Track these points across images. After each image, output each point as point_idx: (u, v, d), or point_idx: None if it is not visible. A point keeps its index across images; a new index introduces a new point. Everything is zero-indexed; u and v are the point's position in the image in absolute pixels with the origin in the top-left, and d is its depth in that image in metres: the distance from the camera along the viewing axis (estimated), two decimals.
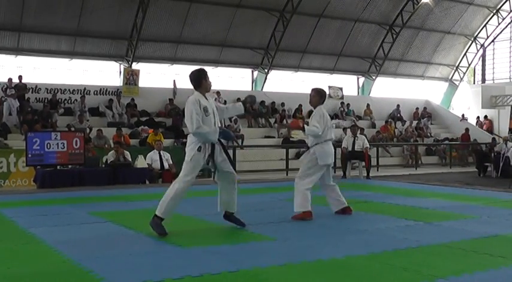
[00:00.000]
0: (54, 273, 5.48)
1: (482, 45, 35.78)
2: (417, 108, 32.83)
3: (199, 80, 7.48)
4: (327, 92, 29.01)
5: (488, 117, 33.63)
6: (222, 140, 7.50)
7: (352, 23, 30.48)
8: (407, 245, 6.55)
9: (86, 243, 6.32)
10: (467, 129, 29.47)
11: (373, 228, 7.75)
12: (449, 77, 36.34)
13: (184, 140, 22.14)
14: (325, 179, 9.09)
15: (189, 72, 7.59)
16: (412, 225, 8.04)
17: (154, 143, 17.68)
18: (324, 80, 31.83)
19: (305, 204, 8.52)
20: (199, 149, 7.22)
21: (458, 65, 36.03)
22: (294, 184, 8.81)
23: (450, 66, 35.98)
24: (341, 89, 30.95)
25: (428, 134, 30.52)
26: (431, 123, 32.18)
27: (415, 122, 30.94)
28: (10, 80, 22.09)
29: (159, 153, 15.88)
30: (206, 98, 7.47)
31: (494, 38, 35.81)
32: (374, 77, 33.27)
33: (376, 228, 7.70)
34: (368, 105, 30.99)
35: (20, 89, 22.28)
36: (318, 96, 9.02)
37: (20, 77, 22.84)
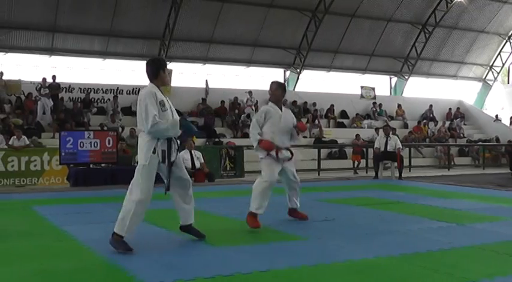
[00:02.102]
0: (87, 270, 5.55)
1: None
2: (450, 109, 32.52)
3: (156, 70, 6.49)
4: (360, 92, 29.39)
5: None
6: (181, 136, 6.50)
7: (384, 23, 30.30)
8: (439, 246, 6.49)
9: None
10: None
11: (405, 229, 7.70)
12: (483, 77, 35.91)
13: (216, 140, 22.28)
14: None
15: (146, 60, 6.74)
16: (445, 226, 7.97)
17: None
18: (356, 80, 31.77)
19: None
20: (153, 151, 6.22)
21: (492, 64, 35.57)
22: (294, 185, 8.55)
23: (484, 66, 35.56)
24: (373, 89, 30.79)
25: (461, 135, 30.20)
26: (464, 124, 31.83)
27: (447, 123, 30.65)
28: (44, 79, 22.37)
29: (190, 152, 15.95)
30: (162, 92, 6.48)
31: None
32: (407, 77, 33.03)
33: (408, 230, 7.64)
34: (399, 105, 30.76)
35: (53, 89, 22.57)
36: (280, 89, 8.42)
37: (54, 77, 23.12)
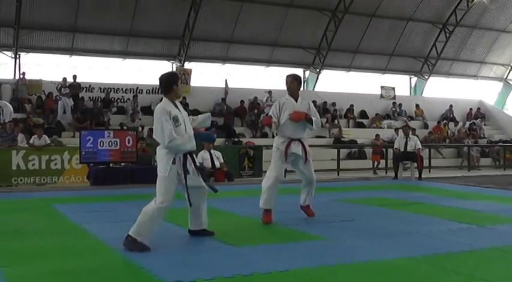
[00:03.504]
0: (107, 269, 5.61)
1: None
2: (470, 109, 32.27)
3: (169, 85, 6.70)
4: (380, 92, 29.27)
5: None
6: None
7: (404, 23, 30.12)
8: (459, 248, 6.47)
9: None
10: None
11: (425, 230, 7.66)
12: (504, 77, 35.56)
13: (235, 139, 22.31)
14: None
15: (160, 76, 6.84)
16: (465, 228, 7.92)
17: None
18: (375, 80, 31.65)
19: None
20: (173, 162, 6.51)
21: None
22: (306, 184, 8.69)
23: (505, 66, 35.21)
24: (393, 89, 30.67)
25: (482, 135, 29.97)
26: (484, 124, 31.59)
27: (468, 123, 30.42)
28: (65, 79, 22.50)
29: (210, 152, 15.97)
30: (176, 106, 6.73)
31: None
32: (427, 77, 32.83)
33: (428, 231, 7.61)
34: (417, 105, 30.60)
35: (74, 88, 22.71)
36: (296, 82, 8.63)
37: (74, 77, 23.26)
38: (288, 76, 8.65)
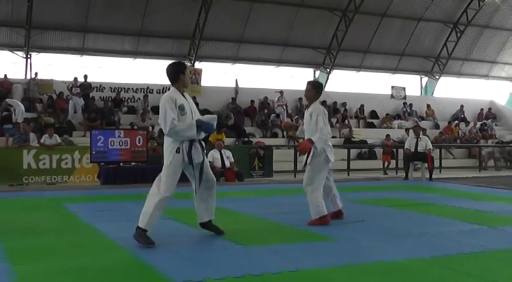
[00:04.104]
0: (117, 267, 5.63)
1: None
2: (482, 109, 32.13)
3: (176, 74, 6.77)
4: (390, 92, 29.16)
5: None
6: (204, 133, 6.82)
7: (415, 22, 30.05)
8: (470, 249, 6.43)
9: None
10: None
11: (435, 231, 7.64)
12: None
13: (246, 139, 22.32)
14: (330, 178, 8.47)
15: (167, 65, 6.86)
16: (476, 229, 7.89)
17: (215, 141, 17.81)
18: (386, 80, 31.62)
19: (320, 209, 7.97)
20: (177, 151, 6.58)
21: None
22: (303, 191, 8.33)
23: None
24: (404, 89, 30.59)
25: (493, 136, 29.84)
26: (495, 125, 31.45)
27: (479, 123, 30.31)
28: (75, 79, 22.61)
29: (220, 151, 15.98)
30: (184, 96, 6.80)
31: None
32: (437, 77, 32.75)
33: (439, 232, 7.58)
34: (428, 105, 30.49)
35: (84, 88, 22.81)
36: (314, 90, 8.36)
37: (85, 76, 23.38)
38: (307, 83, 8.48)
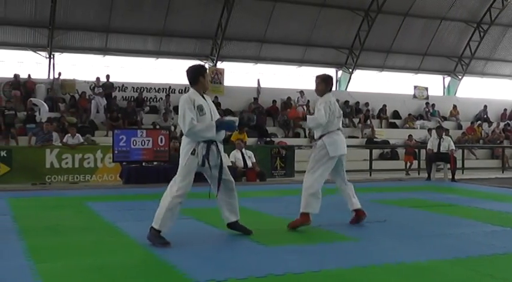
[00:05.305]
0: (139, 266, 5.68)
1: None
2: (505, 109, 31.84)
3: (196, 76, 6.79)
4: (413, 92, 28.99)
5: None
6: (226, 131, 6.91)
7: (438, 22, 29.87)
8: (493, 251, 6.38)
9: (169, 239, 6.44)
10: None
11: (458, 232, 7.59)
12: None
13: (267, 139, 22.32)
14: (340, 174, 8.16)
15: (187, 68, 6.89)
16: (499, 231, 7.82)
17: (236, 140, 17.82)
18: (409, 80, 31.44)
19: (311, 205, 7.64)
20: (193, 152, 6.57)
21: None
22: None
23: None
24: (426, 89, 30.45)
25: None
26: None
27: (502, 124, 30.04)
28: (98, 79, 22.79)
29: (241, 151, 16.00)
30: (203, 97, 6.81)
31: None
32: (460, 77, 32.50)
33: (462, 233, 7.53)
34: (455, 106, 30.26)
35: (107, 88, 22.98)
36: (323, 83, 8.12)
37: (108, 76, 23.56)
38: (316, 77, 8.25)
